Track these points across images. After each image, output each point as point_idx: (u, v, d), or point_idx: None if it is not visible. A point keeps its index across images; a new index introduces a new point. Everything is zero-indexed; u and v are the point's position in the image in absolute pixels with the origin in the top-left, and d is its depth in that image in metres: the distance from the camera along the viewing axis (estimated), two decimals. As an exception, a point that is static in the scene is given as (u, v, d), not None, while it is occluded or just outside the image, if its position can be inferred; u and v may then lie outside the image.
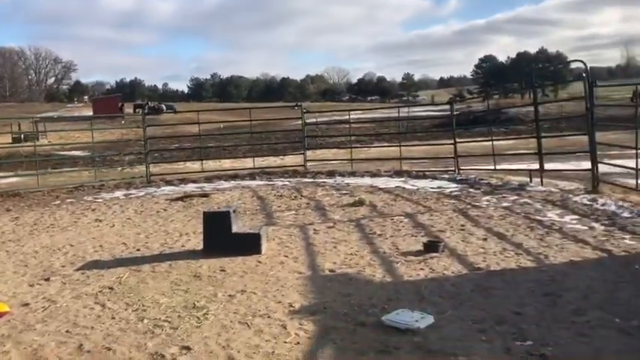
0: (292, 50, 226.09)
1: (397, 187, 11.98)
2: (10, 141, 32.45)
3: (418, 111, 50.15)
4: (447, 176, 13.23)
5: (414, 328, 4.07)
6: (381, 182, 12.85)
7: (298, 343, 4.00)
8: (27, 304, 5.14)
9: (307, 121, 18.08)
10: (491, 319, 4.30)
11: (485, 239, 6.96)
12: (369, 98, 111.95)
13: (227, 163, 19.40)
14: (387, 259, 6.23)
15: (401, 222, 8.27)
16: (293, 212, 9.53)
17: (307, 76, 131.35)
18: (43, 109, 66.67)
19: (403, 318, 4.23)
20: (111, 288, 5.55)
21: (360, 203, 9.78)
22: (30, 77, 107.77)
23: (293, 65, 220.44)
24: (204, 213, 6.96)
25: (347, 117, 20.31)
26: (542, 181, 11.04)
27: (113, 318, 4.68)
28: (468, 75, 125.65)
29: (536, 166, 11.57)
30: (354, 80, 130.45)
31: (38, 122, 36.94)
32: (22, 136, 32.52)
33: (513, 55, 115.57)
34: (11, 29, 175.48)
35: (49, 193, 13.36)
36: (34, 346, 4.15)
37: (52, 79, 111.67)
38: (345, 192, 11.50)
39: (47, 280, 5.96)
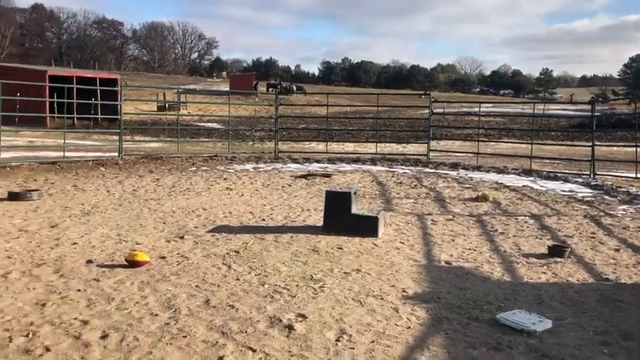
0: (424, 38, 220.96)
1: (525, 186, 11.49)
2: (156, 109, 35.32)
3: (555, 109, 47.30)
4: (580, 180, 12.45)
5: (530, 330, 3.96)
6: (507, 179, 12.39)
7: (409, 327, 4.06)
8: (164, 257, 5.68)
9: (434, 110, 17.80)
10: (617, 333, 4.06)
11: (617, 250, 6.50)
12: (501, 92, 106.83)
13: (350, 147, 19.72)
14: (508, 259, 6.05)
15: (525, 222, 7.95)
16: (412, 201, 9.51)
17: (438, 65, 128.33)
18: (185, 81, 71.47)
19: (520, 318, 4.12)
20: (237, 252, 5.95)
21: (483, 199, 9.52)
22: (176, 51, 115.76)
23: (423, 53, 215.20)
24: (327, 192, 7.18)
25: (477, 109, 19.71)
26: (691, 195, 10.02)
27: (237, 279, 5.04)
28: (615, 74, 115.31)
29: (686, 178, 10.51)
30: (487, 72, 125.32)
31: (181, 93, 39.71)
32: (167, 105, 35.24)
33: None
34: (164, 6, 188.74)
35: (186, 159, 14.45)
36: (168, 295, 4.59)
37: (195, 54, 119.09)
38: (467, 186, 11.25)
39: (182, 238, 6.52)
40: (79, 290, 4.63)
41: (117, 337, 3.73)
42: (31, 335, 3.72)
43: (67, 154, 13.68)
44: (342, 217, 6.84)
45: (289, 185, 10.86)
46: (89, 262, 5.43)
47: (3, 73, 22.25)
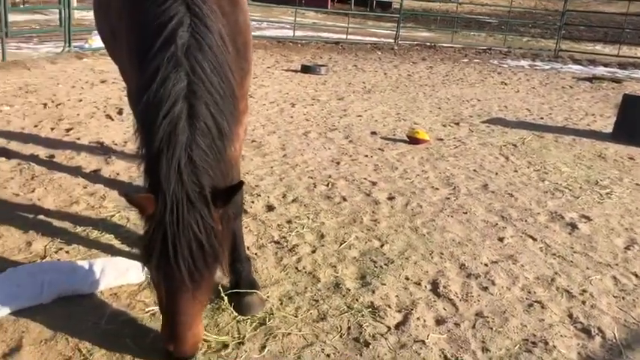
0: None
1: None
2: (427, -2, 34.70)
3: None
4: None
5: None
6: None
7: None
8: (441, 139, 5.84)
9: None
10: None
11: None
12: None
13: (646, 52, 17.04)
14: None
15: None
16: None
17: None
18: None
19: None
20: (514, 145, 5.81)
21: None
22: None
23: None
24: (625, 95, 6.42)
25: None
26: None
27: (515, 171, 4.96)
28: None
29: None
30: None
31: (454, -17, 38.11)
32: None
33: None
34: None
35: (458, 50, 14.17)
36: (447, 173, 4.76)
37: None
38: None
39: (457, 124, 6.58)
40: (366, 156, 5.08)
41: (402, 201, 4.04)
42: (330, 185, 4.26)
43: (348, 36, 14.49)
44: (638, 125, 6.10)
45: (570, 87, 9.97)
46: (373, 133, 5.87)
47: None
